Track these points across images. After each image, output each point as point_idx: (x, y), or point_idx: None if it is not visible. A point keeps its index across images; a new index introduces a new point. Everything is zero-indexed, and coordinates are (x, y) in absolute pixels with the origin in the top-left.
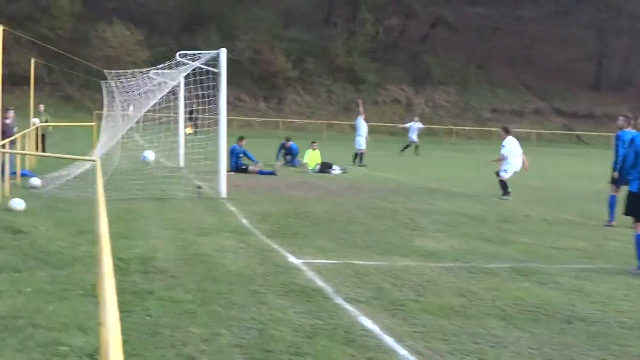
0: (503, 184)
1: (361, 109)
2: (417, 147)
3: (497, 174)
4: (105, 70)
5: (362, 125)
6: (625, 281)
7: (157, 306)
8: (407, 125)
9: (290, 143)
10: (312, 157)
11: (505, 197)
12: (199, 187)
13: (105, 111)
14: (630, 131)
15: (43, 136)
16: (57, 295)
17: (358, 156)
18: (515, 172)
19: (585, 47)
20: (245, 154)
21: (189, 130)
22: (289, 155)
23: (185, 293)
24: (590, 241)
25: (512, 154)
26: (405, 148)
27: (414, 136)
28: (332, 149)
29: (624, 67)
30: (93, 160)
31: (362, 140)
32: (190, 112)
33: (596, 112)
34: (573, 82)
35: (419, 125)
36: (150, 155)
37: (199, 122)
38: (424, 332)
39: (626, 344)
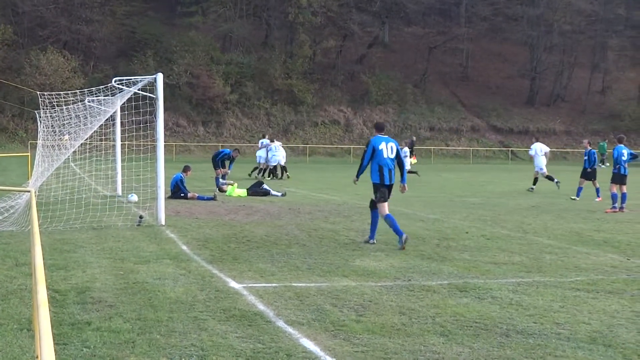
0: (549, 177)
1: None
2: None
3: (545, 176)
4: (39, 92)
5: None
6: (561, 293)
7: (95, 337)
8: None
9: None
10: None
11: (558, 183)
12: (141, 217)
13: (40, 141)
14: None
15: None
16: None
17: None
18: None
19: (519, 64)
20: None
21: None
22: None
23: (124, 322)
24: (527, 255)
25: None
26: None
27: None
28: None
29: (556, 83)
30: (28, 191)
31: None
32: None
33: (530, 128)
34: (508, 98)
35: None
36: (134, 197)
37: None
38: (365, 352)
39: (563, 355)
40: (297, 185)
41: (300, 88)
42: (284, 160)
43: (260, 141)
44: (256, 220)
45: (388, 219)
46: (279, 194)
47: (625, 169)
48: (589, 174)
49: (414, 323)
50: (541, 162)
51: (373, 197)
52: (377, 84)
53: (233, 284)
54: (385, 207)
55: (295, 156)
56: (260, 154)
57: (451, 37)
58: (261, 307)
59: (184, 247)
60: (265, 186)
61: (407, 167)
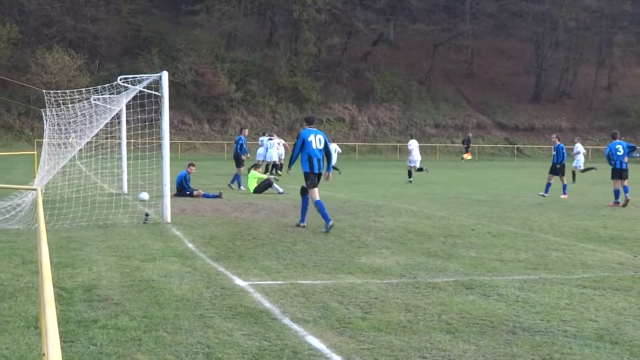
0: (586, 169)
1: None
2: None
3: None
4: (45, 91)
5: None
6: (567, 291)
7: (102, 335)
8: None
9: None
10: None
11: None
12: (146, 215)
13: (46, 139)
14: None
15: None
16: None
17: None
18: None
19: (524, 61)
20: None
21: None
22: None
23: (130, 320)
24: (533, 252)
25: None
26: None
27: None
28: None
29: (562, 79)
30: (34, 189)
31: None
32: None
33: (536, 125)
34: (513, 95)
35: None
36: (145, 195)
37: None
38: (371, 349)
39: (569, 352)
40: (302, 183)
41: (305, 85)
42: (279, 159)
43: (260, 139)
44: (262, 217)
45: (317, 204)
46: (282, 190)
47: (622, 163)
48: (557, 170)
49: (420, 320)
50: (582, 159)
51: (304, 185)
52: (382, 81)
53: (239, 281)
54: (315, 193)
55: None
56: (260, 151)
57: (456, 34)
58: (267, 304)
59: (190, 245)
60: (275, 185)
61: (465, 159)
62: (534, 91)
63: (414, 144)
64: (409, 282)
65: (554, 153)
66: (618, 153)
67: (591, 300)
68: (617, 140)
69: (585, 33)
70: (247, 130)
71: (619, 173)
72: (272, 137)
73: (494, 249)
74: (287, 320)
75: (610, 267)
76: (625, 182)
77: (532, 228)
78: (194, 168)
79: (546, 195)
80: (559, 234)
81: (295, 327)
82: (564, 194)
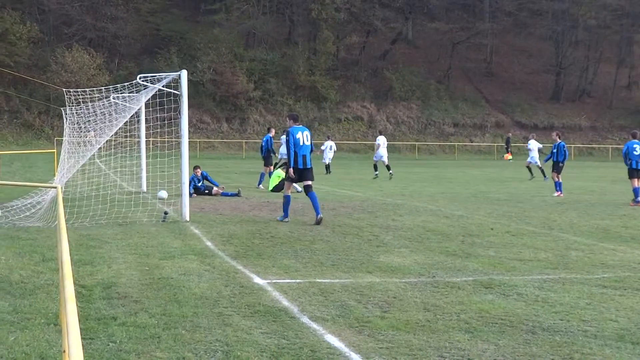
0: (541, 169)
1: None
2: None
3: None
4: (65, 89)
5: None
6: (587, 290)
7: (121, 332)
8: None
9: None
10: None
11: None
12: (165, 213)
13: (65, 137)
14: None
15: None
16: (19, 325)
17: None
18: None
19: (544, 59)
20: (207, 178)
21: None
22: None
23: (149, 318)
24: (553, 252)
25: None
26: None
27: None
28: None
29: (582, 78)
30: (54, 187)
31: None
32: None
33: (555, 124)
34: (532, 94)
35: None
36: (164, 193)
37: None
38: (390, 348)
39: (590, 352)
40: (320, 181)
41: (323, 84)
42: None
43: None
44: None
45: (286, 198)
46: (300, 189)
47: (638, 163)
48: (560, 167)
49: (439, 319)
50: (536, 155)
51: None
52: (400, 80)
53: (257, 279)
54: (289, 187)
55: (318, 152)
56: (282, 150)
57: (475, 33)
58: (285, 303)
59: (209, 243)
60: (294, 184)
61: (506, 158)
62: (553, 90)
63: (381, 140)
64: (427, 281)
65: (554, 151)
66: (635, 152)
67: (611, 300)
68: (636, 140)
69: (605, 31)
70: (274, 129)
71: (635, 173)
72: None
73: (513, 248)
74: (305, 319)
75: (631, 267)
76: None
77: (551, 227)
78: (199, 170)
79: (562, 194)
80: (579, 233)
81: (314, 325)
82: (558, 191)
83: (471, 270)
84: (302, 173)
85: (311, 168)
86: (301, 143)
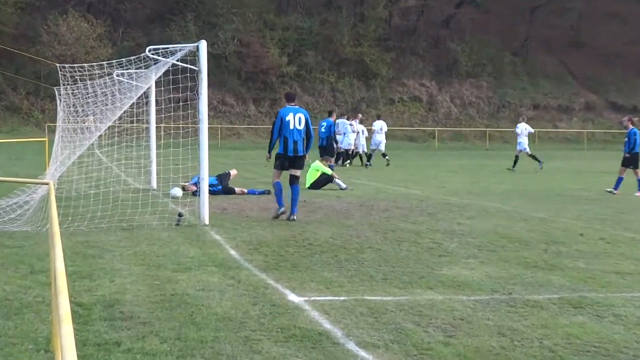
0: (533, 156)
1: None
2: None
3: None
4: (59, 65)
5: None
6: None
7: None
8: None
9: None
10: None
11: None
12: (180, 215)
13: (59, 123)
14: None
15: None
16: (2, 352)
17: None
18: None
19: None
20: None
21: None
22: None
23: (160, 343)
24: None
25: None
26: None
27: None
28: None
29: None
30: (45, 184)
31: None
32: None
33: None
34: (631, 69)
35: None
36: (178, 191)
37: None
38: None
39: None
40: (369, 176)
41: (373, 58)
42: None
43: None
44: (319, 218)
45: (276, 186)
46: (344, 186)
47: None
48: (629, 161)
49: (517, 347)
50: (525, 142)
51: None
52: (467, 53)
53: (292, 297)
54: (278, 176)
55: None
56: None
57: None
58: (327, 325)
59: (232, 252)
60: (337, 180)
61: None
62: None
63: (378, 125)
64: (502, 299)
65: (626, 139)
66: None
67: None
68: None
69: None
70: (335, 113)
71: None
72: (352, 123)
73: (608, 259)
74: (352, 345)
75: None
76: None
77: None
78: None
79: (615, 192)
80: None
81: (363, 353)
82: None
83: (556, 285)
84: (290, 161)
85: (303, 156)
86: (291, 127)
